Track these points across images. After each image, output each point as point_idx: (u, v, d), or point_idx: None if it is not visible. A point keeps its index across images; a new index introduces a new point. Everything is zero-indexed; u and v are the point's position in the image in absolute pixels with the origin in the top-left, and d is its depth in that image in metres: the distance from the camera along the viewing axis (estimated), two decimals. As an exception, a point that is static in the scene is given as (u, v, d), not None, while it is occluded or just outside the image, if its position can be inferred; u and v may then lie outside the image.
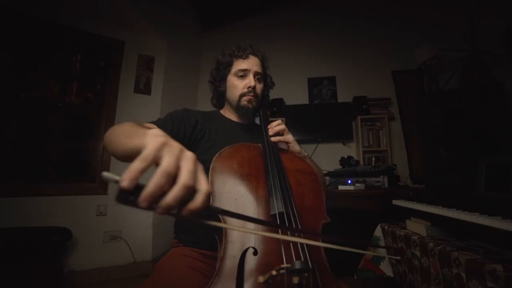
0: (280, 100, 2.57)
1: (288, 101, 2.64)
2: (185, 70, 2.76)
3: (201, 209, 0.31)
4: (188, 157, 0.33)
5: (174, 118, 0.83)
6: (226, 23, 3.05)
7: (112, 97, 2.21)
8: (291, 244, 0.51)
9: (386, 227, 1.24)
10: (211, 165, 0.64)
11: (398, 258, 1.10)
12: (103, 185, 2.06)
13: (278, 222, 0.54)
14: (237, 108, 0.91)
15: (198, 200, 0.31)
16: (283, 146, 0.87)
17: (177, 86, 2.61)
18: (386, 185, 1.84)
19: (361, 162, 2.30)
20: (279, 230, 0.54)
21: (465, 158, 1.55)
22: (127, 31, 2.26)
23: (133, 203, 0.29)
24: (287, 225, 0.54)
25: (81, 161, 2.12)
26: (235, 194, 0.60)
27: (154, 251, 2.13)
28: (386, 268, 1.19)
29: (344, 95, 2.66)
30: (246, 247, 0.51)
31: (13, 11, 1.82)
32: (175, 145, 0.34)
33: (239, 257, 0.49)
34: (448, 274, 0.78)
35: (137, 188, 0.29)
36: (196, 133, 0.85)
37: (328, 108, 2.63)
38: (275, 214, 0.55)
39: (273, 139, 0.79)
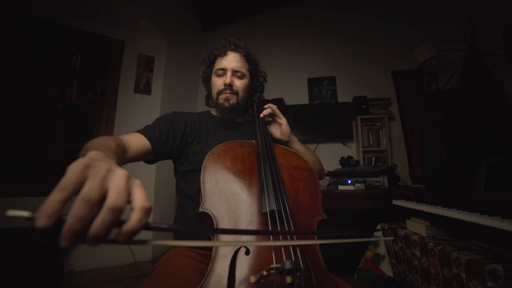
0: (280, 100, 2.57)
1: (288, 101, 2.64)
2: (185, 70, 2.76)
3: (137, 229, 0.27)
4: (117, 175, 0.29)
5: (162, 123, 0.83)
6: (226, 23, 3.05)
7: (112, 97, 2.21)
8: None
9: (386, 227, 1.24)
10: (203, 164, 0.63)
11: (392, 238, 1.12)
12: (103, 185, 2.07)
13: (269, 220, 0.53)
14: (216, 106, 0.90)
15: (132, 220, 0.27)
16: (277, 130, 0.88)
17: (177, 86, 2.61)
18: (386, 185, 1.84)
19: (361, 162, 2.30)
20: (271, 236, 0.53)
21: (465, 158, 1.55)
22: (127, 31, 2.26)
23: (53, 242, 0.24)
24: (278, 223, 0.53)
25: (81, 161, 2.12)
26: (227, 193, 0.59)
27: (154, 251, 2.13)
28: (386, 268, 1.19)
29: (344, 95, 2.66)
30: (238, 247, 0.50)
31: (13, 11, 1.82)
32: (101, 166, 0.29)
33: (230, 257, 0.49)
34: (448, 274, 0.78)
35: (59, 223, 0.24)
36: (187, 135, 0.85)
37: (328, 108, 2.63)
38: (266, 212, 0.54)
39: (263, 112, 0.85)
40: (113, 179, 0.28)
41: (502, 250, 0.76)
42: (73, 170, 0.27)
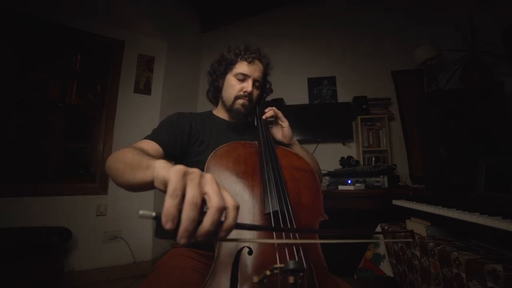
0: (280, 100, 2.57)
1: (288, 101, 2.64)
2: (185, 70, 2.76)
3: (234, 225, 0.32)
4: (209, 180, 0.34)
5: (168, 127, 0.82)
6: (226, 23, 3.05)
7: (112, 97, 2.21)
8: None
9: (386, 227, 1.24)
10: (205, 164, 0.63)
11: (411, 240, 1.00)
12: (103, 185, 2.07)
13: (273, 221, 0.53)
14: (230, 109, 0.91)
15: (230, 217, 0.32)
16: (278, 132, 0.89)
17: (177, 86, 2.61)
18: (386, 185, 1.84)
19: (361, 162, 2.30)
20: (274, 234, 0.53)
21: (465, 158, 1.55)
22: (127, 31, 2.26)
23: (174, 237, 0.29)
24: (281, 223, 0.53)
25: (81, 161, 2.12)
26: (230, 193, 0.59)
27: (154, 251, 2.13)
28: (386, 268, 1.19)
29: (344, 95, 2.66)
30: (241, 247, 0.50)
31: (13, 11, 1.82)
32: (195, 172, 0.34)
33: (233, 257, 0.49)
34: (448, 274, 0.78)
35: (178, 223, 0.30)
36: (192, 135, 0.85)
37: (328, 108, 2.63)
38: (269, 213, 0.54)
39: (265, 115, 0.87)
40: (207, 183, 0.33)
41: (502, 250, 0.76)
42: (176, 178, 0.32)
